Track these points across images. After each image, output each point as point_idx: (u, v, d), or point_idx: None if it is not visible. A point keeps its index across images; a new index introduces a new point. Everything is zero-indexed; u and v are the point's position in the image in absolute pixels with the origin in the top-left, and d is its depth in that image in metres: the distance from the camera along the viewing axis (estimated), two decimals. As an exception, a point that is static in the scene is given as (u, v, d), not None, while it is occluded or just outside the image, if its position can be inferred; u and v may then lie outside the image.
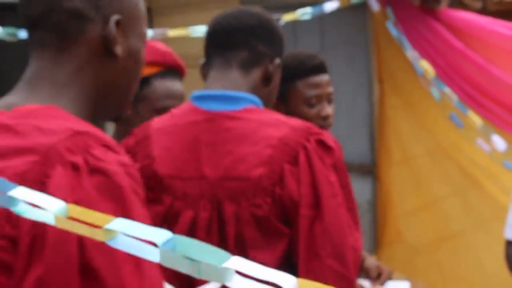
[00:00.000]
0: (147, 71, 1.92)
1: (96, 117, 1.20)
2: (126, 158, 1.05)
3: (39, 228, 0.95)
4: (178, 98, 2.03)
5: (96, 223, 0.96)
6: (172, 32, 3.71)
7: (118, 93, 1.22)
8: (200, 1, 5.26)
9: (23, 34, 3.28)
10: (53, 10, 1.13)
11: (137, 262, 0.98)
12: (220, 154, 1.66)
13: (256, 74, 1.77)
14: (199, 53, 5.23)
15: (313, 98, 2.14)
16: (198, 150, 1.69)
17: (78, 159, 0.99)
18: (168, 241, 0.92)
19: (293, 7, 4.05)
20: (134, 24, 1.20)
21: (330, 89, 2.18)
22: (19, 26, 3.53)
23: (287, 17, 3.71)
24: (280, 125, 1.67)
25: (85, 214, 0.98)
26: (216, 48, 1.79)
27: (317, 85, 2.16)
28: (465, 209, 3.58)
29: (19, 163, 1.00)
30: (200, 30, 3.73)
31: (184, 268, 0.90)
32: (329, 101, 2.19)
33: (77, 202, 0.94)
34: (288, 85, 2.12)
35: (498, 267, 3.07)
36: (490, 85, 3.53)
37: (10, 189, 1.03)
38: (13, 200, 1.02)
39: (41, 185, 0.97)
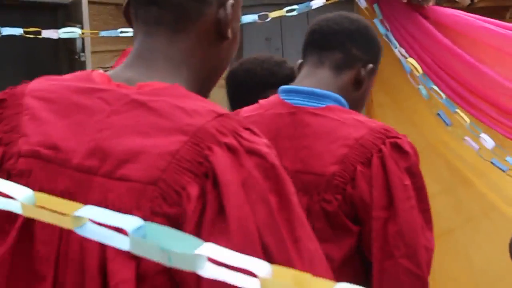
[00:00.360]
0: None
1: None
2: (267, 140, 1.08)
3: (209, 208, 0.97)
4: None
5: (64, 211, 0.92)
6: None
7: (217, 75, 1.28)
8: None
9: (5, 30, 3.24)
10: None
11: (295, 237, 1.00)
12: (298, 147, 1.73)
13: (347, 76, 1.85)
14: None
15: None
16: (278, 141, 1.74)
17: (232, 141, 1.02)
18: (138, 228, 0.88)
19: (280, 4, 4.03)
20: (238, 8, 1.24)
21: None
22: (3, 23, 3.51)
23: (274, 14, 3.68)
24: (359, 126, 1.72)
25: (53, 202, 0.94)
26: (313, 48, 1.88)
27: None
28: (454, 207, 3.55)
29: (166, 142, 1.01)
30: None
31: (154, 256, 0.86)
32: None
33: (244, 182, 0.97)
34: (260, 95, 2.06)
35: (487, 264, 3.04)
36: (478, 82, 3.51)
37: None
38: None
39: (198, 165, 0.99)
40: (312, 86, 1.81)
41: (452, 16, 3.58)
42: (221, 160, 1.00)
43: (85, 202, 0.93)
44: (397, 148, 1.68)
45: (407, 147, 1.69)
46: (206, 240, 0.87)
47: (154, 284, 0.98)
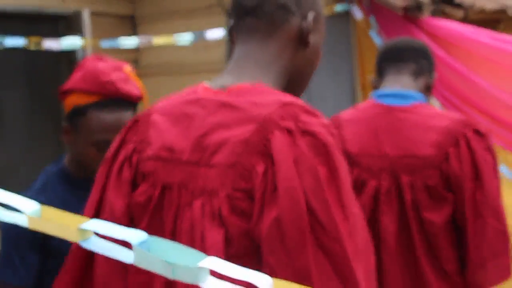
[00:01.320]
0: (84, 100, 1.71)
1: None
2: (326, 120, 1.27)
3: (270, 181, 1.18)
4: (116, 131, 1.60)
5: (69, 224, 0.96)
6: (157, 40, 3.70)
7: (301, 80, 1.47)
8: (184, 9, 5.27)
9: (8, 41, 3.27)
10: (265, 2, 1.39)
11: (342, 204, 1.18)
12: (397, 138, 2.18)
13: (421, 82, 2.31)
14: (183, 60, 5.17)
15: None
16: (378, 135, 2.22)
17: (290, 125, 1.22)
18: (143, 242, 0.91)
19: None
20: (319, 22, 1.45)
21: None
22: (4, 33, 3.54)
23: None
24: (442, 118, 2.18)
25: (58, 216, 0.98)
26: (390, 61, 2.34)
27: None
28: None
29: (241, 131, 1.25)
30: (185, 39, 3.73)
31: (158, 269, 0.90)
32: None
33: (295, 158, 1.18)
34: None
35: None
36: (471, 92, 3.56)
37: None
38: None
39: (263, 147, 1.22)
40: (398, 89, 2.27)
41: (446, 28, 3.63)
42: (278, 141, 1.21)
43: (194, 189, 1.26)
44: (477, 132, 2.13)
45: (484, 131, 2.15)
46: (264, 209, 1.16)
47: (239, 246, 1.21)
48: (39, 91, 5.16)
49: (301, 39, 1.41)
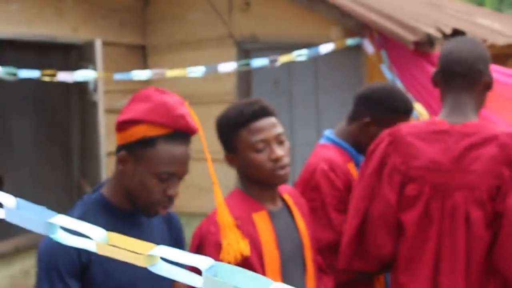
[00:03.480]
0: (153, 131, 1.76)
1: None
2: None
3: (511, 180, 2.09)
4: (182, 163, 1.80)
5: (136, 250, 1.00)
6: (170, 73, 3.75)
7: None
8: (195, 41, 5.34)
9: (22, 73, 3.30)
10: (472, 68, 2.21)
11: None
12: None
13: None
14: (194, 91, 5.22)
15: (259, 143, 2.12)
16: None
17: None
18: (210, 267, 0.95)
19: (288, 48, 4.12)
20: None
21: (277, 130, 2.17)
22: (17, 62, 3.59)
23: (283, 59, 3.76)
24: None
25: (124, 242, 1.02)
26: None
27: (259, 130, 2.14)
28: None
29: (488, 149, 2.10)
30: (197, 71, 3.78)
31: (226, 294, 0.93)
32: (279, 142, 2.17)
33: None
34: (233, 136, 2.14)
35: None
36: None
37: (49, 217, 1.06)
38: (52, 226, 1.05)
39: (506, 159, 2.08)
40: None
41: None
42: None
43: (454, 186, 2.13)
44: None
45: None
46: (507, 194, 2.06)
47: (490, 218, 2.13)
48: (49, 119, 5.21)
49: (487, 88, 2.25)
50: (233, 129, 2.14)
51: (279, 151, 2.11)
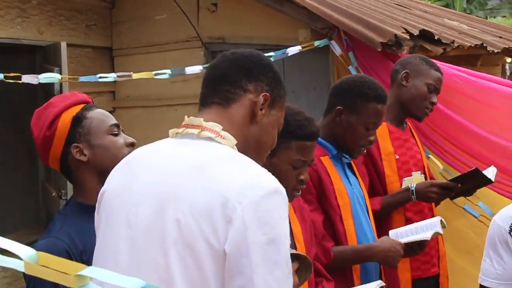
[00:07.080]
0: None
1: None
2: None
3: None
4: None
5: (66, 270, 0.95)
6: (136, 75, 3.70)
7: None
8: (162, 42, 5.28)
9: (26, 78, 3.28)
10: None
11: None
12: None
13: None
14: (160, 93, 5.14)
15: (300, 162, 2.22)
16: None
17: None
18: (142, 289, 0.91)
19: (256, 50, 4.08)
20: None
21: (313, 155, 2.30)
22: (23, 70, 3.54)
23: (251, 60, 3.72)
24: None
25: (55, 262, 0.97)
26: None
27: (307, 151, 2.25)
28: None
29: None
30: (164, 74, 3.73)
31: (157, 316, 0.89)
32: (310, 165, 2.32)
33: None
34: (284, 141, 2.13)
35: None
36: (450, 128, 3.60)
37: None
38: (-21, 246, 1.00)
39: None
40: None
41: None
42: None
43: None
44: None
45: None
46: None
47: None
48: (14, 121, 5.12)
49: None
50: (288, 136, 2.18)
51: (307, 174, 2.25)
